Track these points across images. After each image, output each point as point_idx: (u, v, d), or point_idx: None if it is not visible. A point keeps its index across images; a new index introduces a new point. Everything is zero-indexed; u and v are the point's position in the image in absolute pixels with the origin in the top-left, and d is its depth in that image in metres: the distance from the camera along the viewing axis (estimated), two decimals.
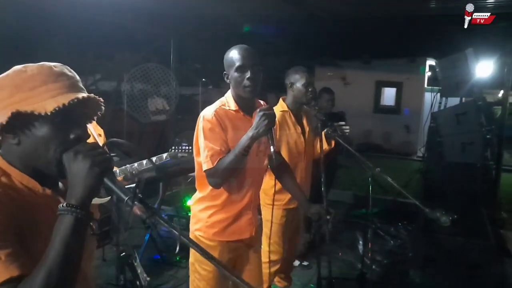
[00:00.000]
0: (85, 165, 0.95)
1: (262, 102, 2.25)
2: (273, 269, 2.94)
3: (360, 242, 4.35)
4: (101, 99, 1.09)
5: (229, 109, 2.09)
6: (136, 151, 3.02)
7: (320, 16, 6.15)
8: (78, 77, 1.09)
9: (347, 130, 2.87)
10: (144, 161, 2.87)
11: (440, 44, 6.92)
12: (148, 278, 3.15)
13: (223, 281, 2.14)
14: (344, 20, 6.66)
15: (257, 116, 1.93)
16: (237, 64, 2.00)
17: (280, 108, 2.95)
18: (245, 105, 2.09)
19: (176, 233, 1.02)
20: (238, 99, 2.10)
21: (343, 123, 2.92)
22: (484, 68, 5.60)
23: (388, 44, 9.05)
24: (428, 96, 9.43)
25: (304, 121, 3.06)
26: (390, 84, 11.44)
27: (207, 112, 2.05)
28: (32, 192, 1.05)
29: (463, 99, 5.09)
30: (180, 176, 4.73)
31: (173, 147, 3.35)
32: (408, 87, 11.09)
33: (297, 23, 6.76)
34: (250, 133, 1.92)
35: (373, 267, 4.07)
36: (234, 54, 2.03)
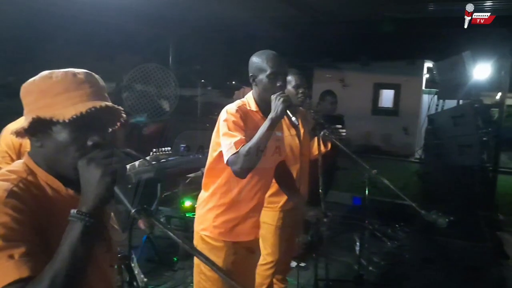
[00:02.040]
0: (97, 173, 0.96)
1: None
2: (270, 271, 2.95)
3: (358, 243, 4.36)
4: (121, 108, 1.11)
5: (250, 109, 2.16)
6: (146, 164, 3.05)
7: (319, 18, 6.17)
8: (102, 84, 1.12)
9: (344, 133, 2.87)
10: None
11: (438, 46, 6.95)
12: (145, 279, 3.16)
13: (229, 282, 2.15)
14: (343, 22, 6.69)
15: (273, 100, 2.01)
16: (270, 70, 2.08)
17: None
18: (266, 108, 2.14)
19: (179, 240, 1.03)
20: (260, 102, 2.18)
21: (339, 126, 2.91)
22: (481, 71, 5.61)
23: (386, 46, 9.09)
24: (426, 98, 9.45)
25: (299, 123, 3.06)
26: (388, 86, 11.47)
27: (231, 106, 2.12)
28: (56, 192, 1.08)
29: (461, 102, 5.11)
30: (177, 177, 4.73)
31: (153, 150, 3.37)
32: (406, 89, 11.12)
33: (296, 25, 6.79)
34: (270, 116, 1.99)
35: (370, 268, 4.09)
36: (267, 60, 2.10)
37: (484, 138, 4.30)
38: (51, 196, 1.07)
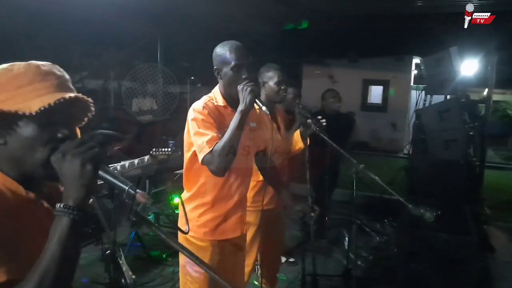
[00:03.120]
0: (76, 164, 0.92)
1: None
2: (247, 269, 2.90)
3: (346, 238, 4.38)
4: (90, 100, 1.05)
5: (217, 105, 2.09)
6: (121, 140, 3.01)
7: (307, 14, 6.17)
8: (67, 77, 1.06)
9: (324, 123, 2.79)
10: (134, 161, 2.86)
11: (425, 42, 6.99)
12: (133, 276, 3.13)
13: (216, 283, 2.13)
14: (331, 18, 6.70)
15: (240, 92, 1.95)
16: (234, 63, 2.00)
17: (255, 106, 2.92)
18: (234, 102, 2.07)
19: (165, 237, 1.01)
20: (227, 96, 2.11)
21: (320, 117, 2.84)
22: (468, 66, 5.66)
23: (375, 42, 9.12)
24: (414, 94, 9.51)
25: (278, 119, 3.01)
26: (377, 82, 11.52)
27: (197, 105, 2.05)
28: (15, 196, 1.01)
29: (448, 97, 5.15)
30: (166, 173, 4.71)
31: (153, 149, 3.34)
32: (395, 85, 11.18)
33: (284, 21, 6.79)
34: (239, 109, 1.94)
35: (359, 263, 4.11)
36: (229, 52, 2.02)
37: (471, 133, 4.34)
38: (9, 201, 0.99)
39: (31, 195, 1.04)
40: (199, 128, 1.96)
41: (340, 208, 5.16)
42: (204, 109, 2.01)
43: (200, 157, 1.94)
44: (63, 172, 0.94)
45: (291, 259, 4.17)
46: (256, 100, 1.96)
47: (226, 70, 2.03)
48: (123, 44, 7.99)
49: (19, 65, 1.01)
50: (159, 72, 6.63)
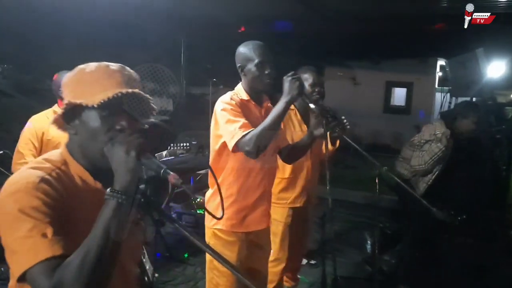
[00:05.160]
0: (121, 151, 1.01)
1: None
2: (279, 267, 2.95)
3: (368, 241, 4.34)
4: (148, 96, 1.14)
5: (242, 98, 2.20)
6: (170, 131, 3.08)
7: (330, 16, 6.15)
8: (135, 76, 1.16)
9: (347, 124, 2.76)
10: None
11: (451, 44, 6.88)
12: (156, 275, 3.19)
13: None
14: (354, 20, 6.66)
15: (286, 82, 2.05)
16: (258, 60, 2.13)
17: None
18: (256, 97, 2.23)
19: (190, 235, 1.06)
20: (250, 91, 2.22)
21: (343, 117, 2.81)
22: (495, 68, 5.55)
23: (398, 44, 9.01)
24: (439, 96, 9.36)
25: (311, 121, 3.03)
26: (400, 84, 11.37)
27: (224, 97, 2.17)
28: (85, 184, 1.13)
29: (474, 99, 5.06)
30: (188, 174, 4.77)
31: (172, 145, 3.39)
32: (418, 87, 11.01)
33: (306, 22, 6.77)
34: (284, 99, 2.03)
35: (381, 266, 4.07)
36: (253, 50, 2.15)
37: (497, 136, 4.26)
38: (80, 188, 1.11)
39: (98, 184, 1.14)
40: (230, 115, 2.06)
41: (362, 211, 5.12)
42: (232, 100, 2.13)
43: (233, 142, 2.02)
44: (112, 159, 1.04)
45: (312, 261, 4.16)
46: (304, 94, 2.09)
47: (250, 66, 2.15)
48: (147, 46, 8.12)
49: (92, 65, 1.14)
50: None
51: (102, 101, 1.05)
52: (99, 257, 0.94)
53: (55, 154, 1.15)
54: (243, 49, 2.19)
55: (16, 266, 0.97)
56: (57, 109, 2.79)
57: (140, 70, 6.45)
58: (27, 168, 1.07)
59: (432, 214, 2.74)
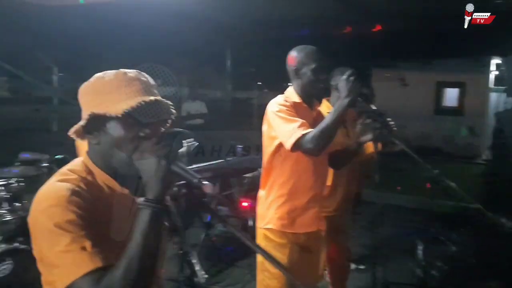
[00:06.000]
0: (152, 160, 1.03)
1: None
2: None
3: (419, 247, 4.20)
4: (170, 103, 1.15)
5: (294, 101, 2.22)
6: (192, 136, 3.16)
7: (376, 15, 6.04)
8: (152, 82, 1.17)
9: (394, 126, 2.67)
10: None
11: (506, 42, 6.55)
12: (205, 276, 3.25)
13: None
14: (402, 19, 6.50)
15: (344, 82, 2.06)
16: (315, 65, 2.18)
17: (325, 109, 2.89)
18: (308, 101, 2.27)
19: (242, 236, 1.09)
20: (303, 94, 2.25)
21: (389, 119, 2.72)
22: None
23: (449, 42, 8.68)
24: (494, 96, 8.94)
25: (348, 124, 2.96)
26: (452, 85, 10.94)
27: (278, 99, 2.20)
28: (111, 191, 1.15)
29: None
30: (234, 176, 4.83)
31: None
32: (472, 87, 10.55)
33: (352, 23, 6.68)
34: (345, 99, 2.04)
35: (433, 272, 3.93)
36: (310, 54, 2.20)
37: None
38: (107, 195, 1.13)
39: (125, 191, 1.17)
40: (286, 115, 2.08)
41: (412, 215, 4.97)
42: (286, 101, 2.17)
43: (291, 141, 2.03)
44: (142, 168, 1.05)
45: (361, 267, 4.08)
46: (364, 93, 2.15)
47: (306, 70, 2.18)
48: (193, 52, 8.30)
49: (110, 73, 1.14)
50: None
51: (126, 111, 1.06)
52: (141, 266, 0.98)
53: (77, 164, 1.17)
54: (299, 53, 2.22)
55: (60, 279, 1.00)
56: None
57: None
58: (55, 181, 1.09)
59: (487, 219, 2.63)
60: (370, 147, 2.83)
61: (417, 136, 9.99)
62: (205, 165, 3.75)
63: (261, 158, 2.35)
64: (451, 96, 11.09)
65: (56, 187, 1.06)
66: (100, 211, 1.07)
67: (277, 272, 2.13)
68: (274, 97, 2.29)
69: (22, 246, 2.88)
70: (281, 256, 2.17)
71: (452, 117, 10.76)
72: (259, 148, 4.65)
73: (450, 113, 10.89)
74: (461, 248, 4.56)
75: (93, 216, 1.04)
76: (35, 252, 1.08)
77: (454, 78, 10.64)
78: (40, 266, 1.10)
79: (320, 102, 2.48)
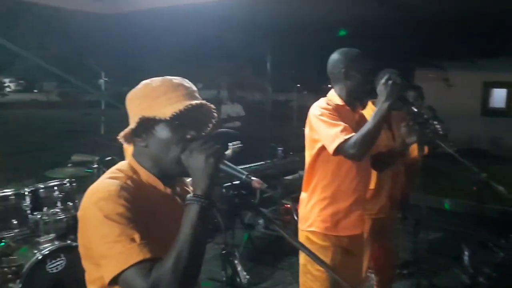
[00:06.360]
0: (200, 158, 1.08)
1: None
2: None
3: (466, 252, 4.08)
4: (213, 106, 1.21)
5: (336, 104, 2.22)
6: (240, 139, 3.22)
7: (418, 15, 5.92)
8: (194, 88, 1.24)
9: (440, 128, 2.61)
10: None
11: None
12: (247, 276, 3.30)
13: (337, 282, 2.17)
14: (446, 18, 6.33)
15: (382, 86, 2.07)
16: (363, 67, 2.19)
17: (370, 111, 2.87)
18: (351, 103, 2.26)
19: (286, 236, 1.13)
20: (347, 97, 2.24)
21: (435, 122, 2.65)
22: None
23: (496, 41, 8.36)
24: None
25: (393, 126, 2.93)
26: (500, 85, 10.54)
27: (320, 102, 2.21)
28: (156, 190, 1.22)
29: None
30: (276, 179, 4.87)
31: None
32: None
33: (395, 24, 6.56)
34: (386, 102, 2.05)
35: (480, 279, 3.81)
36: (358, 57, 2.21)
37: None
38: (151, 194, 1.20)
39: (168, 190, 1.24)
40: (329, 119, 2.10)
41: (459, 220, 4.83)
42: (328, 105, 2.17)
43: (334, 145, 2.05)
44: (191, 166, 1.10)
45: (405, 271, 4.00)
46: (403, 96, 2.14)
47: (354, 73, 2.18)
48: (233, 55, 8.41)
49: (156, 79, 1.21)
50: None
51: (174, 114, 1.11)
52: (190, 258, 1.02)
53: (124, 165, 1.23)
54: (346, 56, 2.22)
55: (108, 269, 1.03)
56: None
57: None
58: (105, 178, 1.16)
59: None
60: (414, 150, 2.80)
61: (463, 138, 9.68)
62: (247, 167, 3.80)
63: (300, 161, 2.37)
64: (498, 96, 10.70)
65: (106, 183, 1.13)
66: (145, 208, 1.13)
67: (319, 275, 2.14)
68: (313, 99, 2.30)
69: (74, 244, 3.02)
70: (324, 258, 2.16)
71: (500, 119, 10.38)
72: (299, 150, 4.69)
73: (498, 115, 10.50)
74: (510, 255, 4.39)
75: (139, 211, 1.09)
76: (81, 248, 1.16)
77: (502, 78, 10.25)
78: (86, 263, 1.17)
79: (363, 104, 2.46)
